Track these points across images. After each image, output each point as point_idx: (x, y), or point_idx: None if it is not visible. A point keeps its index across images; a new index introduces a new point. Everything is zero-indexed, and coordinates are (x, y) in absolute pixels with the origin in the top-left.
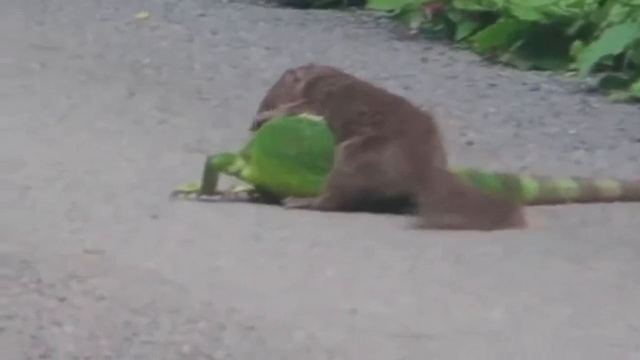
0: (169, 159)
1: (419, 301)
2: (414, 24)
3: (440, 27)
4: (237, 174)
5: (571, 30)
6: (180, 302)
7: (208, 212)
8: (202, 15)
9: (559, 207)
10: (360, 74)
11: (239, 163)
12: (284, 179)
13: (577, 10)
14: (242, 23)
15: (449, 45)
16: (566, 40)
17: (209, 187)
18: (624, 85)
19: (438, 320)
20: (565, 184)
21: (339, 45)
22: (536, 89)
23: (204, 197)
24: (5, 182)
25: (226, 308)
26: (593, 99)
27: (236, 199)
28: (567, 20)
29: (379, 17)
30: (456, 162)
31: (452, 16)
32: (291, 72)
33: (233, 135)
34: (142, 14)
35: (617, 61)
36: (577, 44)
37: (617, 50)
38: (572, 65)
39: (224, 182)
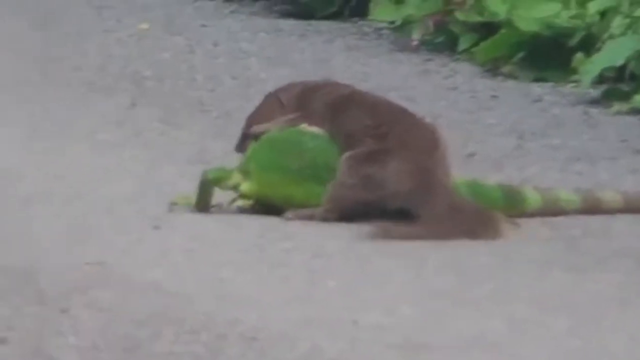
0: (170, 171)
1: (420, 312)
2: (416, 35)
3: (441, 38)
4: (234, 189)
5: (573, 41)
6: (182, 313)
7: (210, 223)
8: (204, 26)
9: (560, 218)
10: (362, 86)
11: (236, 178)
12: (287, 192)
13: (578, 22)
14: (243, 34)
15: (451, 56)
16: (568, 52)
17: (202, 202)
18: (625, 96)
19: (438, 331)
20: (567, 195)
21: (340, 56)
22: (538, 100)
23: (198, 211)
24: (6, 194)
25: (228, 319)
26: (595, 111)
27: (236, 211)
28: (568, 32)
29: (381, 29)
30: (458, 173)
31: (453, 28)
32: (272, 95)
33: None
34: (143, 26)
35: (619, 73)
36: (579, 55)
37: (618, 62)
38: (574, 77)
39: (223, 195)
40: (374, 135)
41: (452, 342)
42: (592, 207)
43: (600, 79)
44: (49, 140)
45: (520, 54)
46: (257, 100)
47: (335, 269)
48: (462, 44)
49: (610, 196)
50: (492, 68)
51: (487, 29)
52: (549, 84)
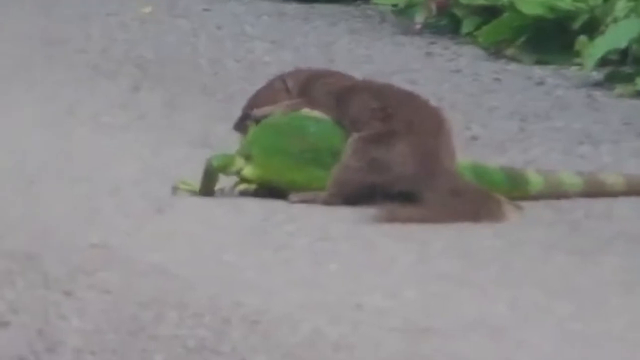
0: (174, 154)
1: (423, 295)
2: (419, 18)
3: (445, 21)
4: (237, 173)
5: (576, 24)
6: (185, 296)
7: (213, 207)
8: (207, 9)
9: (563, 201)
10: (365, 69)
11: (239, 163)
12: (289, 176)
13: (582, 4)
14: (247, 17)
15: (454, 39)
16: (571, 35)
17: (207, 189)
18: (629, 79)
19: (442, 315)
20: (570, 178)
21: (343, 39)
22: (541, 83)
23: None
24: (10, 177)
25: (231, 302)
26: (598, 93)
27: (238, 195)
28: (572, 15)
29: (384, 12)
30: (461, 156)
31: (456, 11)
32: (278, 78)
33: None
34: (146, 9)
35: (622, 55)
36: (582, 38)
37: (622, 44)
38: (577, 60)
39: (225, 180)
40: (380, 117)
41: (456, 326)
42: (595, 190)
43: (603, 62)
44: (54, 123)
45: (524, 37)
46: (260, 83)
47: (339, 252)
48: (465, 27)
49: (613, 179)
50: (495, 51)
51: (490, 12)
52: (552, 67)
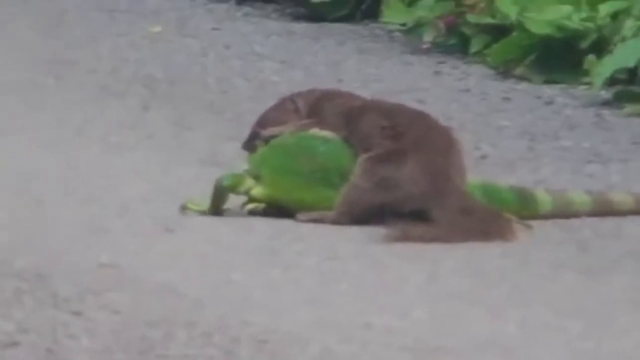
0: (183, 173)
1: (433, 315)
2: (428, 37)
3: (453, 40)
4: (246, 193)
5: (584, 44)
6: (194, 315)
7: (222, 226)
8: (216, 29)
9: (572, 220)
10: (374, 88)
11: (248, 182)
12: (298, 196)
13: (590, 24)
14: (256, 37)
15: (463, 58)
16: (579, 54)
17: (216, 208)
18: (637, 98)
19: (452, 334)
20: (579, 197)
21: (352, 58)
22: (550, 102)
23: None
24: (20, 196)
25: (240, 321)
26: (607, 112)
27: (247, 215)
28: (580, 34)
29: (392, 31)
30: (470, 175)
31: (465, 30)
32: (288, 98)
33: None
34: (156, 29)
35: (631, 75)
36: (590, 57)
37: (630, 63)
38: (586, 79)
39: (234, 199)
40: (390, 136)
41: (465, 345)
42: (604, 209)
43: (612, 81)
44: (63, 143)
45: (532, 56)
46: (269, 102)
47: (348, 271)
48: (474, 46)
49: (621, 198)
50: (504, 70)
51: (499, 31)
52: (561, 86)
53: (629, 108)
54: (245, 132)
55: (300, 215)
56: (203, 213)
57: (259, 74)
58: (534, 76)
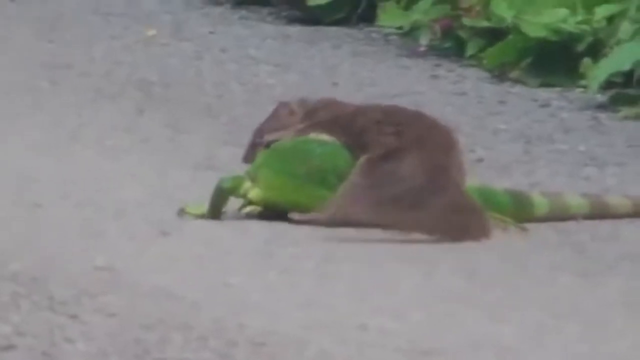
0: (178, 177)
1: (429, 316)
2: (423, 40)
3: (449, 44)
4: (245, 196)
5: (580, 47)
6: (191, 318)
7: (218, 229)
8: (211, 32)
9: (568, 223)
10: (370, 91)
11: (247, 185)
12: (294, 198)
13: (586, 27)
14: (251, 40)
15: (458, 62)
16: (575, 57)
17: (215, 211)
18: (633, 101)
19: (448, 336)
20: (575, 200)
21: (347, 62)
22: (546, 105)
23: (209, 219)
24: (15, 200)
25: (237, 324)
26: (603, 116)
27: (244, 217)
28: (576, 37)
29: (388, 34)
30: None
31: (461, 33)
32: (284, 104)
33: (242, 153)
34: (151, 32)
35: (627, 78)
36: (586, 61)
37: (626, 67)
38: (582, 82)
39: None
40: (390, 134)
41: (461, 347)
42: (600, 212)
43: (608, 84)
44: (58, 146)
45: (528, 60)
46: (265, 106)
47: (344, 273)
48: (470, 49)
49: (618, 201)
50: (500, 73)
51: (495, 35)
52: (557, 89)
53: (625, 111)
54: (241, 136)
55: (293, 215)
56: (201, 217)
57: (254, 78)
58: (530, 79)
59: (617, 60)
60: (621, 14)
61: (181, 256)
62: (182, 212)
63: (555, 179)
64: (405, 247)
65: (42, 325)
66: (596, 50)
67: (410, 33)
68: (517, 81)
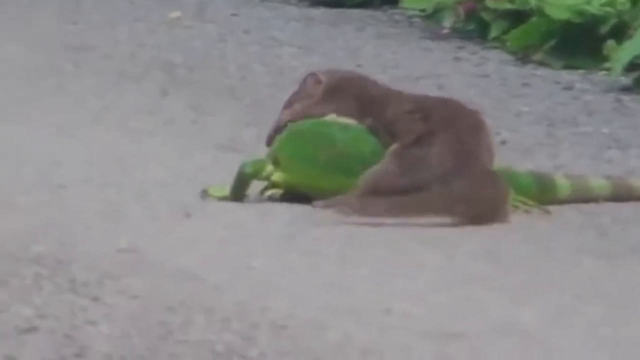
0: (201, 158)
1: (452, 300)
2: (447, 23)
3: (472, 26)
4: (267, 179)
5: (604, 29)
6: (213, 301)
7: (241, 212)
8: (235, 15)
9: (591, 205)
10: (393, 73)
11: (269, 168)
12: (316, 183)
13: (609, 9)
14: (275, 22)
15: (482, 44)
16: (599, 40)
17: (238, 194)
18: None
19: (471, 319)
20: (598, 182)
21: (371, 44)
22: (569, 88)
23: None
24: (39, 182)
25: (259, 307)
26: (627, 98)
27: (266, 200)
28: (600, 19)
29: (412, 17)
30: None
31: (484, 15)
32: (313, 74)
33: (265, 134)
34: (175, 14)
35: None
36: (610, 43)
37: None
38: (606, 65)
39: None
40: (418, 119)
41: (485, 330)
42: (623, 194)
43: (632, 67)
44: (82, 128)
45: (551, 42)
46: (288, 88)
47: (367, 256)
48: (493, 32)
49: None
50: (523, 56)
51: (518, 17)
52: (580, 72)
53: None
54: (264, 118)
55: (317, 203)
56: (224, 199)
57: (278, 60)
58: (553, 61)
59: None
60: None
61: (204, 238)
62: (204, 194)
63: (578, 162)
64: (427, 231)
65: (65, 308)
66: (620, 32)
67: (433, 15)
68: (540, 63)
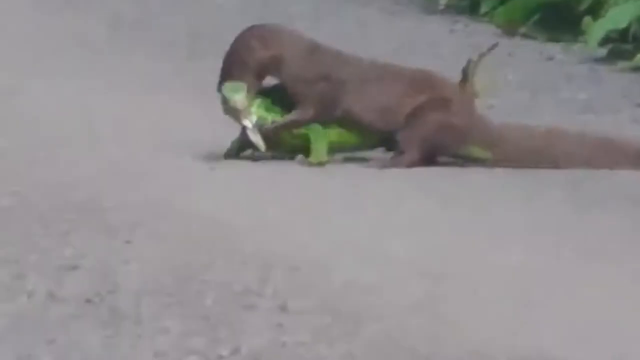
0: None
1: (452, 242)
2: (443, 0)
3: (466, 2)
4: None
5: (583, 6)
6: (233, 244)
7: (261, 167)
8: None
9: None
10: (395, 44)
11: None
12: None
13: None
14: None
15: (473, 19)
16: (578, 16)
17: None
18: (629, 55)
19: (470, 261)
20: None
21: (375, 18)
22: (551, 58)
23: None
24: (79, 136)
25: (274, 250)
26: (602, 68)
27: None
28: None
29: None
30: None
31: None
32: (252, 35)
33: None
34: None
35: (623, 34)
36: (587, 19)
37: (622, 25)
38: (583, 38)
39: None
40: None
41: (482, 271)
42: None
43: (607, 40)
44: (120, 89)
45: (535, 17)
46: None
47: (370, 203)
48: (484, 8)
49: None
50: (510, 29)
51: None
52: (561, 44)
53: (621, 64)
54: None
55: (372, 163)
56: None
57: None
58: (537, 35)
59: (614, 19)
60: None
61: (227, 189)
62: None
63: (557, 124)
64: (426, 179)
65: (101, 249)
66: (596, 10)
67: None
68: (525, 36)
